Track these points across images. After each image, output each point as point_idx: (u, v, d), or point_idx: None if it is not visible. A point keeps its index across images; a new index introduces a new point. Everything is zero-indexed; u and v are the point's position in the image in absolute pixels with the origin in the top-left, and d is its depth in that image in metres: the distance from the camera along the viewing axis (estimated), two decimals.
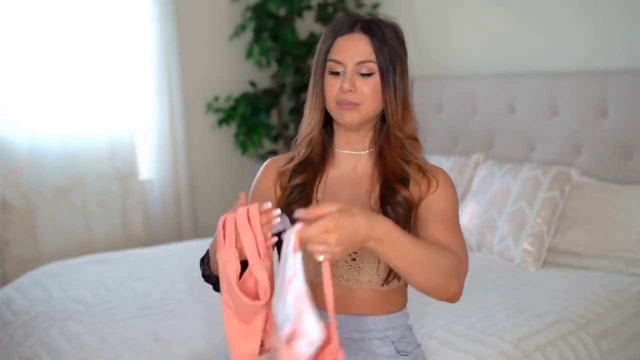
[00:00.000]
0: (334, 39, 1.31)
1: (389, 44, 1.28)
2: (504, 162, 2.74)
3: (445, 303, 1.98)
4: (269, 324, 1.15)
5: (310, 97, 1.36)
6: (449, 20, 3.27)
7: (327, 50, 1.31)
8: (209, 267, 1.31)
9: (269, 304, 1.13)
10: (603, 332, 1.91)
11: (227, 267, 1.13)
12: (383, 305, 1.36)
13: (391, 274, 1.31)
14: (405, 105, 1.31)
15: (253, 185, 1.43)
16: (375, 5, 3.51)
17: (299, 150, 1.39)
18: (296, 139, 1.40)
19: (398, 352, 1.35)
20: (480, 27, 3.12)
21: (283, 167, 1.40)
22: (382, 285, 1.33)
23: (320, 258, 0.99)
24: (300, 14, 3.57)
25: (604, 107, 2.60)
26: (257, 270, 1.12)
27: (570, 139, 2.69)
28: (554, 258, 2.43)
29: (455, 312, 1.92)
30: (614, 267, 2.30)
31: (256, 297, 1.13)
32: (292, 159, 1.40)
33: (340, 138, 1.38)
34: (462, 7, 3.20)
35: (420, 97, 3.26)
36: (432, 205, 1.28)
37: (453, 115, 3.15)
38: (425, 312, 1.92)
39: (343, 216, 0.99)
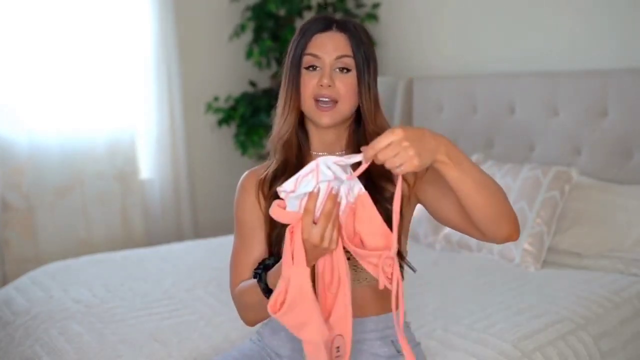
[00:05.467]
0: (311, 35, 1.31)
1: (364, 43, 1.32)
2: (504, 162, 2.73)
3: (443, 303, 2.00)
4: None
5: (284, 95, 1.35)
6: (449, 20, 3.27)
7: (304, 47, 1.31)
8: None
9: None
10: (603, 332, 1.91)
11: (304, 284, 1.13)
12: (381, 304, 1.35)
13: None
14: (377, 105, 1.34)
15: (236, 200, 1.40)
16: (375, 5, 3.51)
17: (274, 155, 1.38)
18: (271, 142, 1.38)
19: (398, 351, 1.35)
20: (481, 27, 3.12)
21: (262, 175, 1.38)
22: None
23: (399, 170, 1.05)
24: (300, 14, 3.57)
25: (604, 107, 2.60)
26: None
27: (570, 139, 2.69)
28: (554, 258, 2.43)
29: (455, 312, 1.92)
30: (614, 267, 2.29)
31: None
32: (268, 167, 1.39)
33: (315, 140, 1.37)
34: (462, 7, 3.20)
35: (420, 97, 3.25)
36: (435, 180, 1.27)
37: (453, 116, 3.14)
38: (425, 312, 1.92)
39: (404, 127, 1.05)
